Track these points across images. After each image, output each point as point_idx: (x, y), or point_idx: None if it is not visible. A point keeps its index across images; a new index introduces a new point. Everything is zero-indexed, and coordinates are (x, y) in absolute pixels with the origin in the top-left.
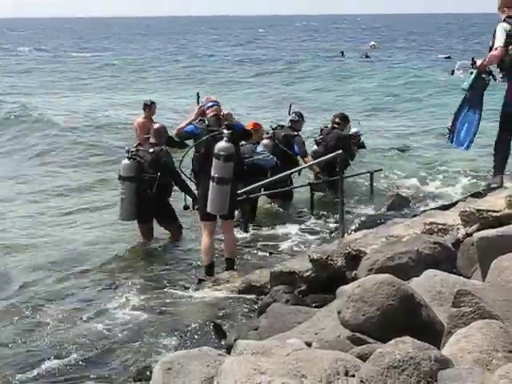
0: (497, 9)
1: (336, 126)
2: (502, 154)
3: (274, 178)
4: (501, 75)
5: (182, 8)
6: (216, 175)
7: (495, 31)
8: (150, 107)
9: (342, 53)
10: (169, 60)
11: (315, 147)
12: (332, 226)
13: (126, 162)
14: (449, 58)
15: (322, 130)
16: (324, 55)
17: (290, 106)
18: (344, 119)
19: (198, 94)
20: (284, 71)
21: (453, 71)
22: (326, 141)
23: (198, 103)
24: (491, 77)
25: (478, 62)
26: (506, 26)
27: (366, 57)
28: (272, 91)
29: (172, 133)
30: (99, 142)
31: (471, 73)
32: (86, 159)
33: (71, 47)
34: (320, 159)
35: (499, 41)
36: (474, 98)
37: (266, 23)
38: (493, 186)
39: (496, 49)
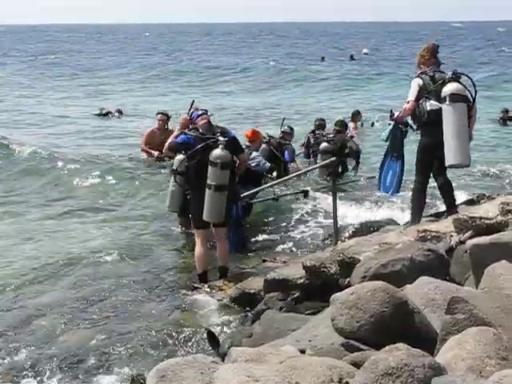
0: (416, 66)
1: (338, 132)
2: (422, 204)
3: (273, 182)
4: (415, 126)
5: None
6: (213, 183)
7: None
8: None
9: (323, 58)
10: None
11: (325, 144)
12: (326, 232)
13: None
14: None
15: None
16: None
17: (283, 120)
18: (342, 125)
19: (193, 101)
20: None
21: (373, 123)
22: (336, 141)
23: (190, 111)
24: (409, 127)
25: (396, 114)
26: (419, 81)
27: (352, 58)
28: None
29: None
30: None
31: (389, 124)
32: None
33: None
34: (313, 167)
35: (411, 95)
36: (394, 148)
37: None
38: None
39: (408, 102)
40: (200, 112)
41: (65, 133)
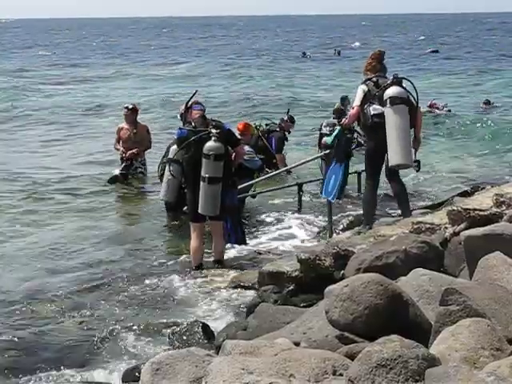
0: (363, 72)
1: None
2: (372, 205)
3: (267, 176)
4: (361, 132)
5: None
6: (207, 175)
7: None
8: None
9: (304, 53)
10: None
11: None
12: (320, 225)
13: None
14: (436, 51)
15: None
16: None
17: (288, 111)
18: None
19: (195, 91)
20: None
21: (320, 128)
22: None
23: (190, 101)
24: (357, 136)
25: (343, 120)
26: (364, 87)
27: (338, 54)
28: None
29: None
30: None
31: (335, 130)
32: None
33: None
34: (304, 161)
35: (356, 101)
36: (338, 153)
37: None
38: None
39: (353, 108)
40: (197, 106)
41: None
